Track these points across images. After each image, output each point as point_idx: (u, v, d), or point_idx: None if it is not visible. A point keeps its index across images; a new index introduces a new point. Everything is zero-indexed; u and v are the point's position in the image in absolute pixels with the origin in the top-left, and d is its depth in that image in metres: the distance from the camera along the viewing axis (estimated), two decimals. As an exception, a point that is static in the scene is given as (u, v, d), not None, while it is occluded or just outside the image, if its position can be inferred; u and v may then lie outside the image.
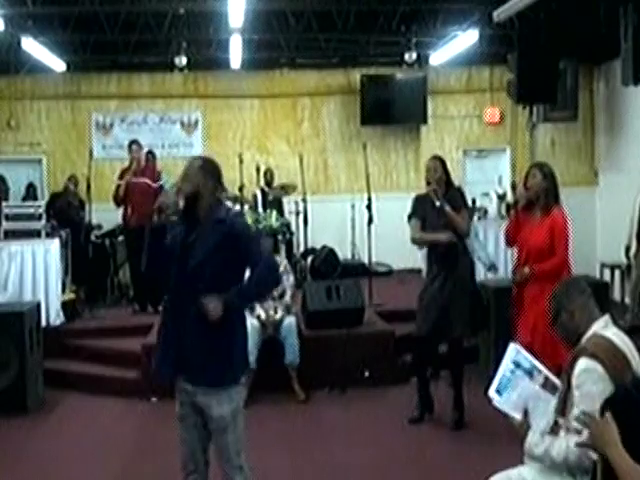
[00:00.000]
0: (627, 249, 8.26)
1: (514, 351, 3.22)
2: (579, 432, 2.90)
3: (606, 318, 3.22)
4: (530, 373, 3.21)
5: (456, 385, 5.91)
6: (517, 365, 3.20)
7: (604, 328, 3.18)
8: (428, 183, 5.81)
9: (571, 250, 5.26)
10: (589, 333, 3.17)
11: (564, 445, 3.05)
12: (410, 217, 5.96)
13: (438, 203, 5.65)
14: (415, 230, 5.91)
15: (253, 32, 9.91)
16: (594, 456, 2.91)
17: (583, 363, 3.04)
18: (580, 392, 3.02)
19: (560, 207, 5.22)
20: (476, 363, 7.29)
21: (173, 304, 3.59)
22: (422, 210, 5.87)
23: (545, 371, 3.22)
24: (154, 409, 6.48)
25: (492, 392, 3.21)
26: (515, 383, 3.19)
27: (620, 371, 3.02)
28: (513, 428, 3.19)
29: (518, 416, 3.19)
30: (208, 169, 3.67)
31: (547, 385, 3.20)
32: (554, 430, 3.18)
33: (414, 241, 6.01)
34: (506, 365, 3.21)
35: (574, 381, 3.05)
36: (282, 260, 7.34)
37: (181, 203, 3.54)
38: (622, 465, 2.49)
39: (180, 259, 3.53)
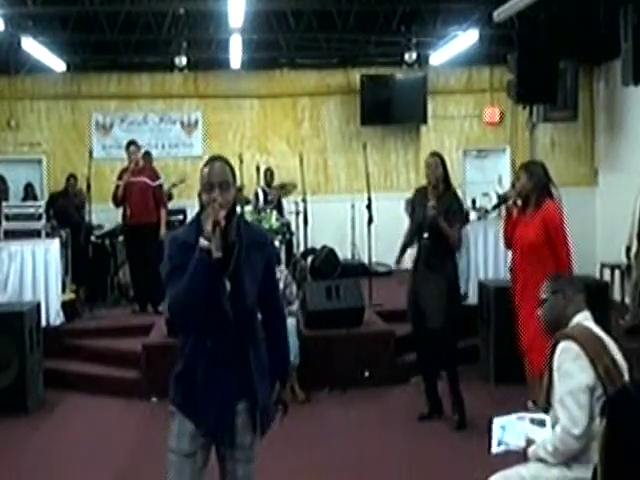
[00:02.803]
0: (627, 249, 8.26)
1: (497, 424, 3.38)
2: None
3: (587, 314, 3.33)
4: (520, 418, 3.38)
5: (451, 385, 5.88)
6: (503, 426, 3.36)
7: (585, 320, 3.30)
8: (428, 179, 5.83)
9: (570, 244, 5.27)
10: (570, 324, 3.30)
11: (552, 435, 3.10)
12: (406, 208, 6.08)
13: (426, 232, 5.71)
14: (406, 233, 6.10)
15: (253, 32, 9.92)
16: (576, 431, 2.97)
17: (561, 345, 3.16)
18: (559, 372, 3.12)
19: (553, 200, 5.24)
20: (476, 363, 7.30)
21: (223, 352, 2.97)
22: (415, 205, 5.96)
23: (528, 414, 3.40)
24: (154, 409, 6.48)
25: (494, 449, 3.32)
26: (509, 428, 3.34)
27: (597, 352, 3.11)
28: (524, 456, 3.26)
29: (523, 443, 3.26)
30: (233, 171, 3.04)
31: (535, 422, 3.36)
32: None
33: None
34: (495, 431, 3.36)
35: (554, 364, 3.15)
36: (282, 270, 7.17)
37: (222, 218, 2.86)
38: None
39: (231, 295, 2.93)
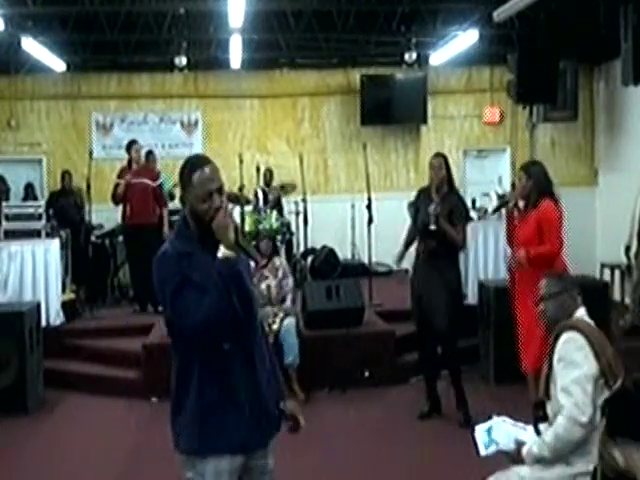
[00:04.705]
0: (627, 249, 8.26)
1: (479, 429, 3.41)
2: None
3: (583, 310, 3.39)
4: (503, 422, 3.41)
5: (455, 383, 5.91)
6: (489, 429, 3.38)
7: (584, 316, 3.36)
8: (431, 180, 5.84)
9: (568, 246, 5.29)
10: (570, 319, 3.33)
11: (553, 426, 3.10)
12: (409, 208, 6.11)
13: (433, 225, 5.69)
14: (408, 232, 6.16)
15: (253, 32, 9.91)
16: (583, 419, 2.97)
17: (564, 336, 3.19)
18: (564, 363, 3.13)
19: (550, 199, 5.26)
20: (476, 363, 7.30)
21: (237, 352, 2.79)
22: (419, 205, 5.97)
23: (509, 420, 3.42)
24: (154, 409, 6.48)
25: (483, 451, 3.33)
26: (496, 429, 3.36)
27: (601, 344, 3.13)
28: (515, 458, 3.25)
29: (513, 445, 3.27)
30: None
31: (516, 426, 3.41)
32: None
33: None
34: (480, 436, 3.38)
35: (557, 355, 3.17)
36: (282, 262, 7.28)
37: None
38: None
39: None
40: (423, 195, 5.97)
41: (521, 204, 5.31)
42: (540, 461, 3.14)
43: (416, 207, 6.03)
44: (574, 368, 3.07)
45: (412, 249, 6.13)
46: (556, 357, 3.17)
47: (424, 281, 5.81)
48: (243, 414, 2.80)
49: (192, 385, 2.80)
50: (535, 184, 5.22)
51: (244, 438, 2.81)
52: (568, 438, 3.05)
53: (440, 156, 5.92)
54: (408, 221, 6.34)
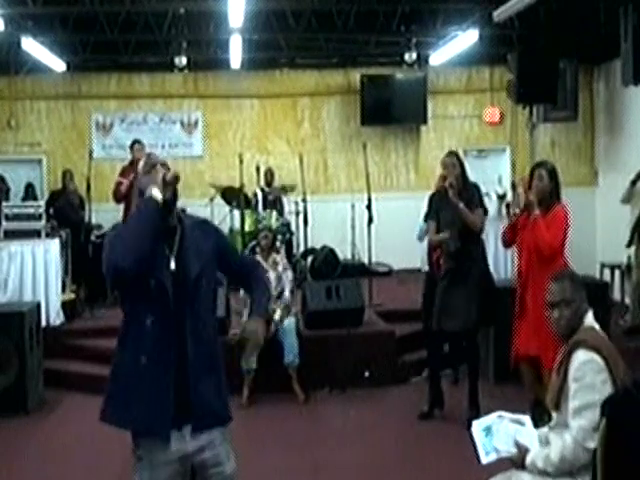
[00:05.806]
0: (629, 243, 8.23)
1: (478, 427, 3.37)
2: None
3: (591, 313, 3.28)
4: (500, 417, 3.38)
5: (471, 381, 5.87)
6: (487, 428, 3.34)
7: (592, 322, 3.25)
8: (444, 179, 5.70)
9: (570, 249, 5.26)
10: (583, 326, 3.22)
11: (559, 444, 3.07)
12: (426, 218, 5.99)
13: (451, 195, 5.55)
14: (432, 233, 5.90)
15: (253, 32, 9.91)
16: (591, 445, 2.94)
17: (583, 355, 3.07)
18: (580, 384, 3.04)
19: (562, 203, 5.21)
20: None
21: (163, 332, 2.88)
22: (436, 208, 5.85)
23: (506, 414, 3.39)
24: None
25: (484, 459, 3.29)
26: (495, 431, 3.32)
27: (616, 364, 3.07)
28: (517, 463, 3.22)
29: (514, 450, 3.23)
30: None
31: (514, 421, 3.38)
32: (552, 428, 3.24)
33: (431, 243, 5.97)
34: (479, 437, 3.34)
35: (573, 373, 3.07)
36: (282, 257, 7.29)
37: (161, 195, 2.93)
38: None
39: (174, 273, 2.90)
40: (437, 198, 5.84)
41: (536, 211, 5.16)
42: (541, 474, 3.12)
43: (435, 211, 5.86)
44: (591, 392, 3.00)
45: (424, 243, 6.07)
46: (572, 375, 3.07)
47: (452, 286, 5.64)
48: (166, 400, 2.89)
49: (117, 355, 3.05)
50: (554, 186, 5.13)
51: (148, 420, 3.02)
52: (573, 461, 3.01)
53: (453, 154, 5.84)
54: (407, 221, 6.32)
